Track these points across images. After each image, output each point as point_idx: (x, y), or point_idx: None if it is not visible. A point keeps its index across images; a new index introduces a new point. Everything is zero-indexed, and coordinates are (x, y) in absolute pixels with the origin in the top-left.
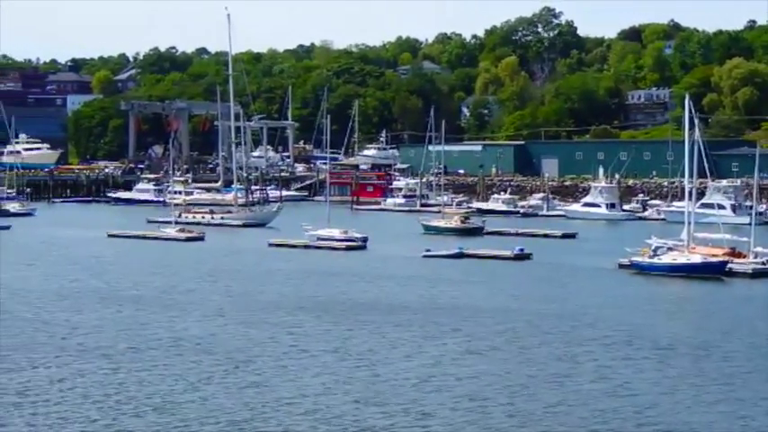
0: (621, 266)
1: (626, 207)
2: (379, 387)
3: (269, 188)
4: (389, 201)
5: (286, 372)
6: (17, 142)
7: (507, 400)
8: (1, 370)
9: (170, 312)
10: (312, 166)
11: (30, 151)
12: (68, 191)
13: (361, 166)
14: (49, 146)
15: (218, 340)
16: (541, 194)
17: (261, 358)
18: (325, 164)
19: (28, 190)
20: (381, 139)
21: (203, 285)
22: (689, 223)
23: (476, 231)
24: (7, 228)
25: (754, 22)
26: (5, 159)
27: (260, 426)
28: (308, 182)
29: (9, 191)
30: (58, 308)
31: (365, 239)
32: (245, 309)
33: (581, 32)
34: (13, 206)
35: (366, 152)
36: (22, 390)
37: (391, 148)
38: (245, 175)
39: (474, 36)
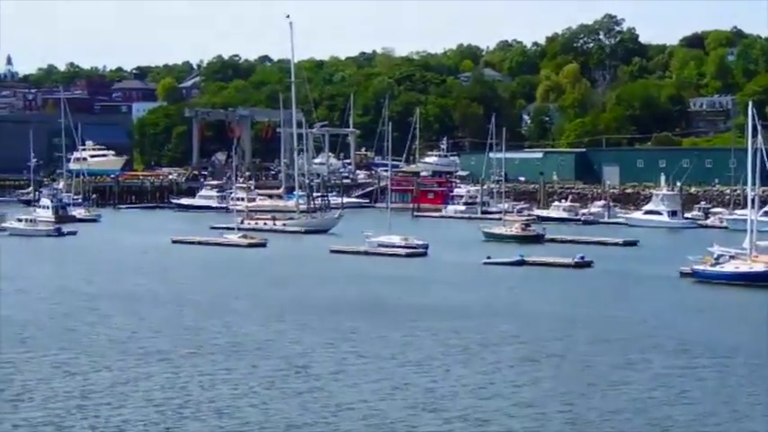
0: (683, 275)
1: (688, 215)
2: (436, 393)
3: (330, 195)
4: (450, 208)
5: (344, 377)
6: (83, 149)
7: (564, 407)
8: (64, 373)
9: (230, 317)
10: (373, 173)
11: (96, 158)
12: (133, 197)
13: (422, 174)
14: (114, 153)
15: (278, 345)
16: (602, 202)
17: (319, 363)
18: (386, 171)
19: (94, 196)
20: (442, 146)
21: (264, 291)
22: (751, 231)
23: (536, 239)
24: (74, 233)
25: None
26: (72, 166)
27: (318, 430)
28: (369, 189)
29: (75, 197)
30: (121, 312)
31: (426, 246)
32: (305, 314)
33: (643, 39)
34: (79, 212)
35: (427, 159)
36: (85, 393)
37: (452, 156)
38: (306, 181)
39: (535, 43)
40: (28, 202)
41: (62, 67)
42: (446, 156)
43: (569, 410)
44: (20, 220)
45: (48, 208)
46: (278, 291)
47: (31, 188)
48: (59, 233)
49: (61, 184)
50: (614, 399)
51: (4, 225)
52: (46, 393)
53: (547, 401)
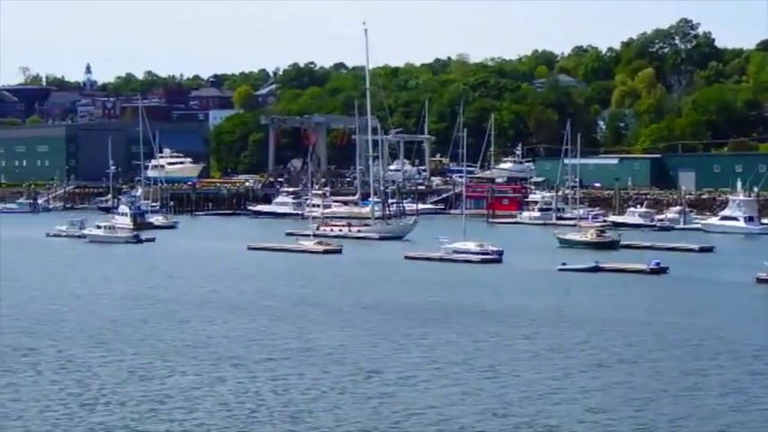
0: (760, 281)
1: (765, 221)
2: (506, 398)
3: (405, 201)
4: (525, 214)
5: (415, 382)
6: (161, 157)
7: (634, 412)
8: (139, 377)
9: (303, 323)
10: (448, 179)
11: (173, 165)
12: (210, 204)
13: (497, 180)
14: (191, 160)
15: (349, 350)
16: (678, 208)
17: (391, 368)
18: (461, 177)
19: (171, 203)
20: (517, 152)
21: (337, 297)
22: None
23: (611, 245)
24: (152, 240)
25: None
26: (150, 173)
27: None
28: (444, 195)
29: (153, 204)
30: (196, 318)
31: (500, 252)
32: (378, 319)
33: (719, 44)
34: (156, 219)
35: (502, 165)
36: (160, 397)
37: (527, 162)
38: (381, 188)
39: (610, 49)
40: (107, 210)
41: (140, 75)
42: (521, 162)
43: (639, 416)
44: (99, 227)
45: (126, 215)
46: (352, 296)
47: (109, 195)
48: (138, 240)
49: (139, 192)
50: (684, 405)
51: (83, 232)
52: (121, 397)
53: (617, 407)
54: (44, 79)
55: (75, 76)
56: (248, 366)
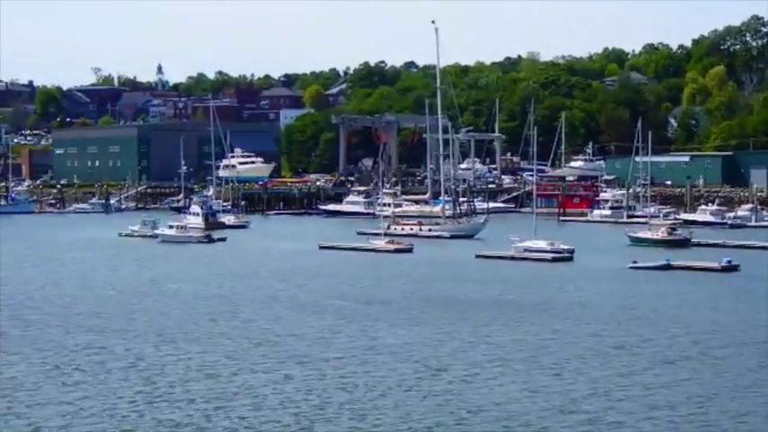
0: None
1: None
2: (570, 396)
3: (476, 200)
4: (596, 212)
5: (480, 380)
6: (232, 156)
7: (697, 409)
8: (206, 376)
9: (371, 321)
10: (519, 177)
11: (244, 165)
12: (281, 203)
13: (568, 178)
14: (262, 160)
15: (416, 348)
16: (750, 205)
17: (457, 366)
18: (531, 176)
19: (243, 203)
20: (588, 150)
21: (406, 295)
22: None
23: (683, 243)
24: (223, 240)
25: None
26: (221, 173)
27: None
28: (514, 194)
29: (225, 204)
30: (264, 316)
31: (572, 251)
32: (445, 318)
33: None
34: (228, 219)
35: (573, 164)
36: (227, 395)
37: (598, 160)
38: (452, 187)
39: (681, 46)
40: (179, 210)
41: (211, 75)
42: (591, 160)
43: (703, 413)
44: (171, 227)
45: (198, 215)
46: (420, 295)
47: (181, 195)
48: (209, 240)
49: (211, 192)
50: (746, 401)
51: (155, 232)
52: (189, 394)
53: (681, 404)
54: (116, 80)
55: (147, 76)
56: (315, 364)
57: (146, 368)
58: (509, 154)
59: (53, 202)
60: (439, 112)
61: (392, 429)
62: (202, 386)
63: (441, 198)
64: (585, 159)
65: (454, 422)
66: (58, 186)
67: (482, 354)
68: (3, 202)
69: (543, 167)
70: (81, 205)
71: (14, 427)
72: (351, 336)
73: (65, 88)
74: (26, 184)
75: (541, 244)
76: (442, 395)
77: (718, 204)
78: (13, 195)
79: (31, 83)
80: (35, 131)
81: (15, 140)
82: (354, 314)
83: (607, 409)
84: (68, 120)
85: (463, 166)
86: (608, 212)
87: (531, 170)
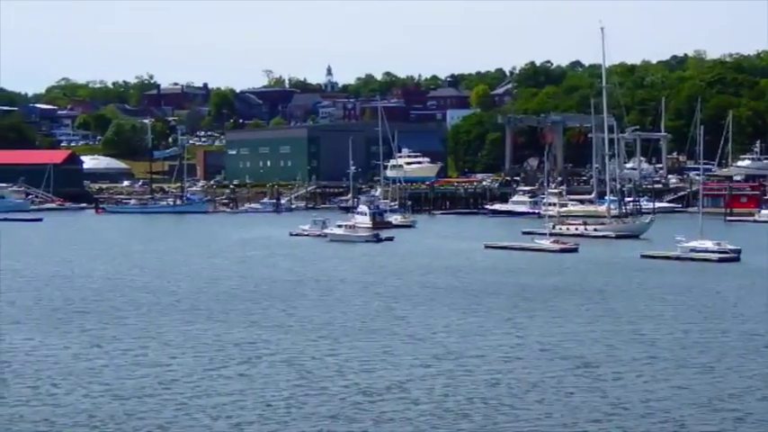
0: None
1: None
2: (717, 393)
3: (642, 200)
4: (764, 212)
5: (629, 377)
6: (400, 156)
7: None
8: (354, 370)
9: (518, 320)
10: (685, 177)
11: (411, 165)
12: (447, 203)
13: (735, 177)
14: (429, 160)
15: (566, 346)
16: None
17: (605, 364)
18: (698, 175)
19: (409, 203)
20: (755, 149)
21: (560, 295)
22: None
23: None
24: (391, 239)
25: None
26: (389, 173)
27: (597, 428)
28: (680, 193)
29: (392, 203)
30: (419, 314)
31: (738, 251)
32: (603, 317)
33: None
34: (395, 218)
35: (740, 163)
36: (369, 389)
37: (765, 159)
38: (618, 186)
39: None
40: (347, 209)
41: (379, 76)
42: (759, 159)
43: None
44: (339, 227)
45: (365, 214)
46: (580, 293)
47: (350, 195)
48: (377, 239)
49: (378, 191)
50: None
51: (325, 231)
52: (339, 389)
53: None
54: (287, 82)
55: (316, 78)
56: (463, 361)
57: (301, 362)
58: (675, 153)
59: (226, 201)
60: (605, 111)
61: (532, 425)
62: (353, 380)
63: (606, 198)
64: (753, 158)
65: (593, 419)
66: (231, 186)
67: (634, 351)
68: (178, 202)
69: (710, 167)
70: (253, 205)
71: (166, 418)
72: (497, 334)
73: (238, 90)
74: (200, 184)
75: (708, 244)
76: (587, 392)
77: None
78: (188, 195)
79: (205, 85)
80: (209, 133)
81: (191, 142)
82: (504, 311)
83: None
84: (241, 121)
85: (629, 165)
86: None
87: (698, 169)
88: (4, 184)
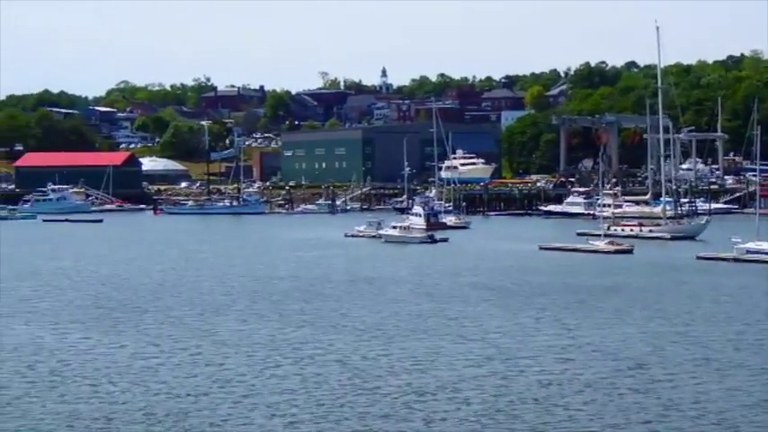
0: None
1: None
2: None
3: (698, 201)
4: None
5: (681, 378)
6: (454, 158)
7: None
8: (404, 370)
9: (571, 320)
10: (741, 178)
11: (466, 166)
12: (502, 204)
13: None
14: (483, 161)
15: (617, 346)
16: None
17: (659, 364)
18: (754, 176)
19: (464, 204)
20: None
21: (614, 296)
22: None
23: None
24: (445, 240)
25: None
26: (443, 174)
27: (649, 429)
28: (737, 194)
29: (446, 205)
30: (471, 314)
31: None
32: (652, 317)
33: None
34: (449, 219)
35: None
36: (422, 389)
37: None
38: (673, 187)
39: None
40: (402, 210)
41: (433, 77)
42: None
43: None
44: (394, 228)
45: (420, 215)
46: (633, 294)
47: (404, 196)
48: (432, 240)
49: (433, 193)
50: None
51: (379, 232)
52: (390, 388)
53: None
54: (342, 83)
55: (371, 80)
56: (514, 360)
57: (353, 362)
58: (732, 154)
59: (282, 203)
60: (660, 111)
61: (584, 426)
62: (402, 380)
63: (661, 199)
64: None
65: (643, 420)
66: (287, 188)
67: (685, 352)
68: (235, 203)
69: (767, 167)
70: (308, 206)
71: (221, 416)
72: (556, 333)
73: (293, 92)
74: (257, 185)
75: (764, 245)
76: (634, 393)
77: None
78: (244, 196)
79: (261, 87)
80: (265, 134)
81: (247, 143)
82: (556, 310)
83: None
84: (296, 123)
85: (684, 166)
86: None
87: (755, 170)
88: (65, 186)
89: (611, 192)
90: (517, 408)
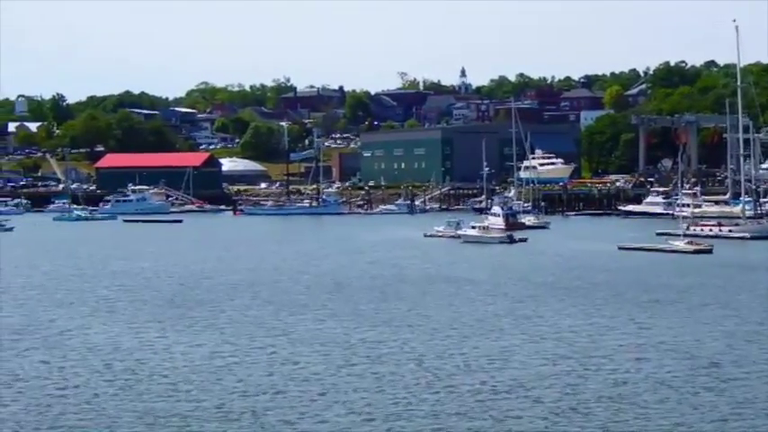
0: None
1: None
2: None
3: None
4: None
5: (756, 378)
6: (533, 158)
7: None
8: (472, 370)
9: (646, 320)
10: None
11: (545, 166)
12: (581, 204)
13: None
14: (562, 161)
15: (689, 345)
16: None
17: (733, 363)
18: None
19: (543, 204)
20: None
21: (691, 295)
22: None
23: None
24: (524, 240)
25: None
26: (522, 174)
27: (722, 428)
28: None
29: (525, 204)
30: (542, 313)
31: None
32: (728, 316)
33: None
34: (528, 219)
35: None
36: (500, 388)
37: None
38: (753, 187)
39: None
40: (481, 210)
41: (512, 77)
42: None
43: None
44: (473, 228)
45: (499, 216)
46: (712, 294)
47: (483, 196)
48: (511, 240)
49: (512, 192)
50: None
51: (458, 232)
52: (457, 388)
53: None
54: (421, 84)
55: (450, 80)
56: (588, 359)
57: (428, 360)
58: None
59: (361, 203)
60: (739, 111)
61: (657, 425)
62: (469, 379)
63: (741, 198)
64: None
65: (712, 419)
66: (366, 188)
67: (761, 351)
68: (314, 204)
69: None
70: (387, 206)
71: (297, 414)
72: (627, 331)
73: (373, 93)
74: (336, 185)
75: None
76: (706, 391)
77: None
78: (323, 197)
79: (341, 88)
80: (345, 135)
81: (326, 144)
82: (638, 311)
83: None
84: (375, 123)
85: (764, 165)
86: None
87: None
88: (145, 187)
89: (690, 192)
90: (590, 406)
